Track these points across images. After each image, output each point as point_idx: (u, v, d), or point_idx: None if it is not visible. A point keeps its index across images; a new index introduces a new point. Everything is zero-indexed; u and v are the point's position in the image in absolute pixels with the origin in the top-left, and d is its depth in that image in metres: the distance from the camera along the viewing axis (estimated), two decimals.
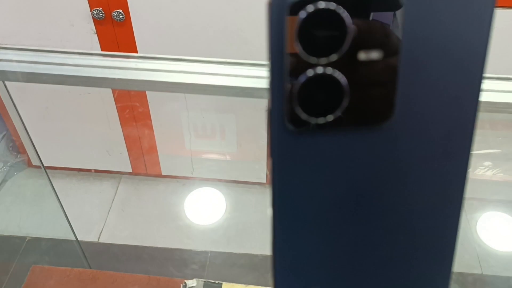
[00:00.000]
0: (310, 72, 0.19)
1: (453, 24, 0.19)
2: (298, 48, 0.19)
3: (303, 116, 0.20)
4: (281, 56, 0.19)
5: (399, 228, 0.22)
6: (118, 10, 1.27)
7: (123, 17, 1.28)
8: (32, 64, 0.57)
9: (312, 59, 0.19)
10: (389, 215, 0.22)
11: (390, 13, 0.19)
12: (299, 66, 0.19)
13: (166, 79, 0.56)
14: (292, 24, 0.19)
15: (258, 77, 0.55)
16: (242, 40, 1.31)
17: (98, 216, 1.56)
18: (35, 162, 1.63)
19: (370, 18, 0.19)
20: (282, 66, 0.19)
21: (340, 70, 0.19)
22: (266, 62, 0.20)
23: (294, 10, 0.18)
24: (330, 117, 0.20)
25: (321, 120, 0.20)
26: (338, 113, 0.20)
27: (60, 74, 0.58)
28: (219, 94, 0.57)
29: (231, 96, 0.56)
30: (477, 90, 0.20)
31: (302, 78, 0.19)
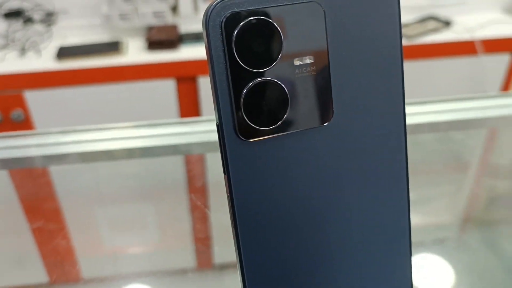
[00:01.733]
0: (252, 83, 0.20)
1: (369, 25, 0.22)
2: (237, 61, 0.20)
3: (252, 125, 0.21)
4: (223, 71, 0.20)
5: (351, 218, 0.23)
6: (17, 111, 1.23)
7: (22, 117, 1.24)
8: None
9: (252, 70, 0.20)
10: (341, 207, 0.23)
11: (316, 22, 0.21)
12: (241, 78, 0.20)
13: (72, 150, 0.53)
14: (228, 38, 0.20)
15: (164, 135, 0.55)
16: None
17: None
18: None
19: (299, 27, 0.21)
20: (225, 80, 0.20)
21: (279, 78, 0.21)
22: (209, 77, 0.21)
23: (229, 25, 0.20)
24: (277, 123, 0.21)
25: (269, 127, 0.21)
26: (284, 118, 0.21)
27: None
28: (128, 158, 0.56)
29: (139, 158, 0.56)
30: (400, 80, 0.22)
31: (245, 89, 0.20)
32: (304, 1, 0.21)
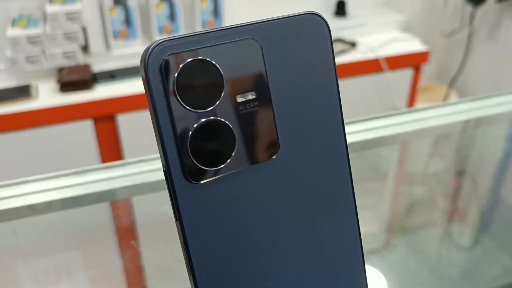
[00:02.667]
0: (197, 124, 0.20)
1: (305, 57, 0.22)
2: (180, 103, 0.20)
3: (201, 167, 0.20)
4: (166, 115, 0.20)
5: (307, 247, 0.23)
6: None
7: None
8: None
9: (196, 111, 0.20)
10: (296, 236, 0.23)
11: (254, 58, 0.21)
12: (185, 121, 0.20)
13: None
14: (169, 81, 0.19)
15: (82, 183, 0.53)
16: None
17: None
18: None
19: (238, 64, 0.21)
20: (169, 124, 0.20)
21: (224, 116, 0.20)
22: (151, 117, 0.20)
23: (169, 67, 0.19)
24: (225, 162, 0.21)
25: (218, 167, 0.21)
26: (232, 156, 0.21)
27: None
28: (49, 212, 0.53)
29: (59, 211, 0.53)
30: (338, 106, 0.23)
31: (190, 131, 0.20)
32: (240, 38, 0.21)
